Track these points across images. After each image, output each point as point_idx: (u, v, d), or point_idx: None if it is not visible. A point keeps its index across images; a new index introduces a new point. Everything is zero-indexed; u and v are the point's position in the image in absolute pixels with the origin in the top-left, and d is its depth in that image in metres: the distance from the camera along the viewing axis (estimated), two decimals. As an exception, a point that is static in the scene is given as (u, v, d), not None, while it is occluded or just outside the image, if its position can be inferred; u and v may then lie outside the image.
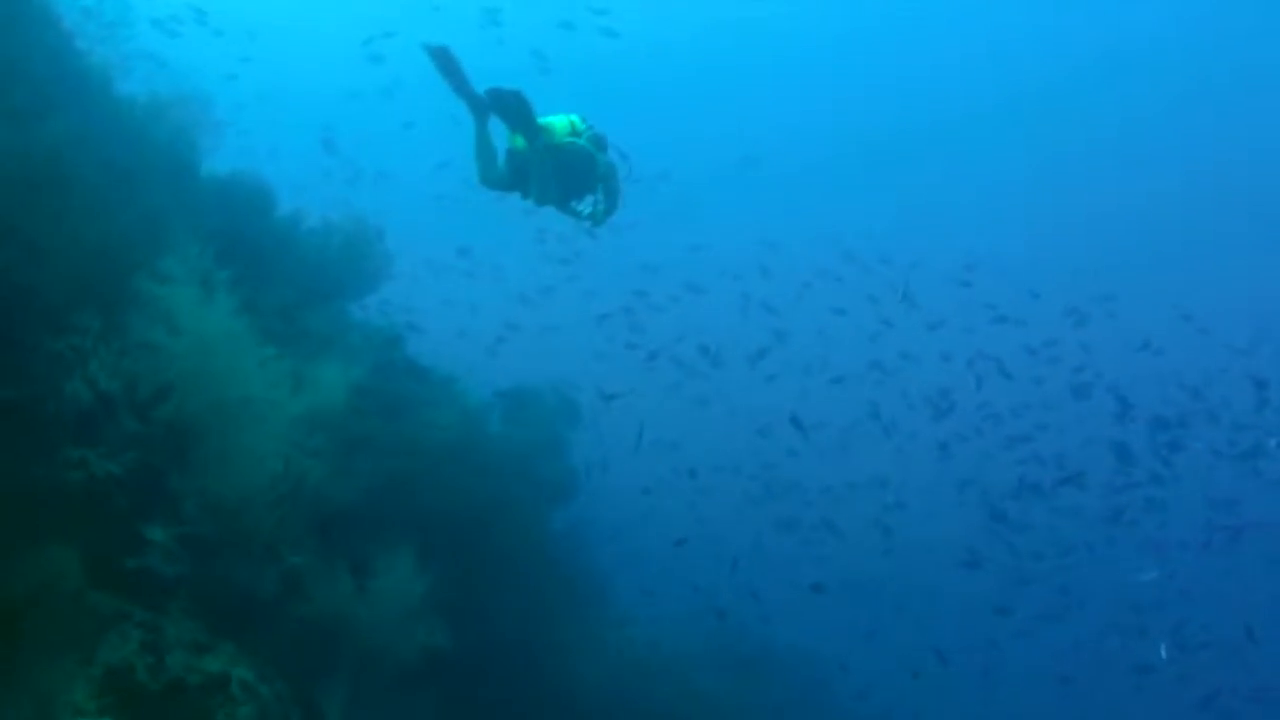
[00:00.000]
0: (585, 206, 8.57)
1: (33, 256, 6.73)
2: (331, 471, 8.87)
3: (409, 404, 9.86)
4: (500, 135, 8.49)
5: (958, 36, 37.39)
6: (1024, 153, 40.64)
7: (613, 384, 17.33)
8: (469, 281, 26.39)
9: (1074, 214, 41.16)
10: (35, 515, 5.96)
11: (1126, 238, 39.79)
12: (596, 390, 15.83)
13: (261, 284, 9.73)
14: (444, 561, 9.10)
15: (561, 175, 8.29)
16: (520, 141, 8.21)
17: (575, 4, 27.31)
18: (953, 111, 39.57)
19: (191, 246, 7.98)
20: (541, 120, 8.28)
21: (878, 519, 22.87)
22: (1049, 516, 22.73)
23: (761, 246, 28.48)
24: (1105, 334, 25.25)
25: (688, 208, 35.16)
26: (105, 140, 8.84)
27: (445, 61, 8.00)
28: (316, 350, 9.08)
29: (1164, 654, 19.79)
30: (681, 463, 21.16)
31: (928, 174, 41.32)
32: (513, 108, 8.08)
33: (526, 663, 9.76)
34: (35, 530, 5.84)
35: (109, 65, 10.47)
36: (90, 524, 6.37)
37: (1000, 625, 21.05)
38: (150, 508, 6.98)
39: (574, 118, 8.53)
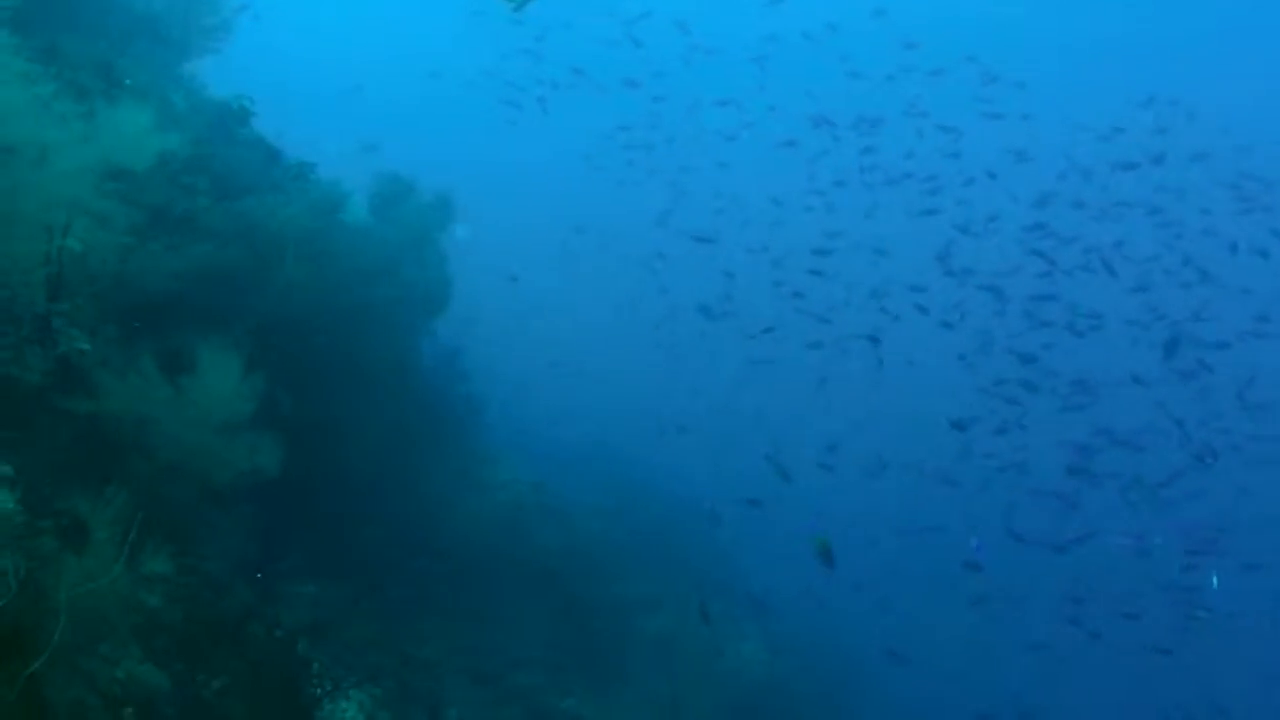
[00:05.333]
0: None
1: None
2: (142, 250, 7.36)
3: (250, 186, 8.21)
4: None
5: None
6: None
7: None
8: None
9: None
10: None
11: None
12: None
13: (66, 26, 7.96)
14: (281, 368, 7.63)
15: None
16: None
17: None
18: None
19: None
20: None
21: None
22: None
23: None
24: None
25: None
26: None
27: None
28: (124, 99, 7.36)
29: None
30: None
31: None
32: None
33: (377, 496, 8.39)
34: None
35: None
36: None
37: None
38: None
39: None
